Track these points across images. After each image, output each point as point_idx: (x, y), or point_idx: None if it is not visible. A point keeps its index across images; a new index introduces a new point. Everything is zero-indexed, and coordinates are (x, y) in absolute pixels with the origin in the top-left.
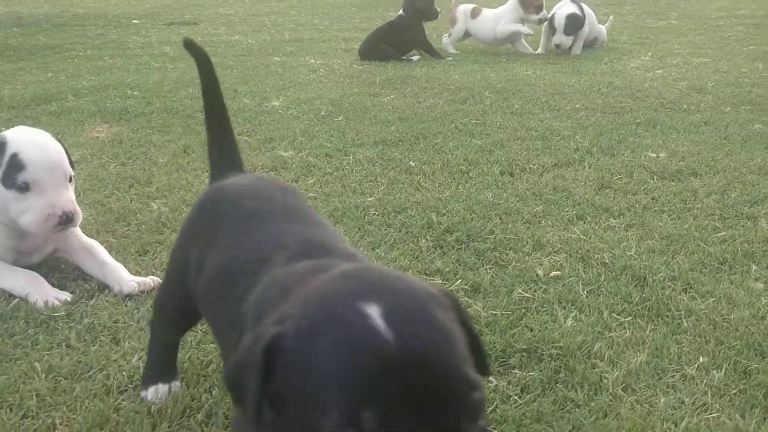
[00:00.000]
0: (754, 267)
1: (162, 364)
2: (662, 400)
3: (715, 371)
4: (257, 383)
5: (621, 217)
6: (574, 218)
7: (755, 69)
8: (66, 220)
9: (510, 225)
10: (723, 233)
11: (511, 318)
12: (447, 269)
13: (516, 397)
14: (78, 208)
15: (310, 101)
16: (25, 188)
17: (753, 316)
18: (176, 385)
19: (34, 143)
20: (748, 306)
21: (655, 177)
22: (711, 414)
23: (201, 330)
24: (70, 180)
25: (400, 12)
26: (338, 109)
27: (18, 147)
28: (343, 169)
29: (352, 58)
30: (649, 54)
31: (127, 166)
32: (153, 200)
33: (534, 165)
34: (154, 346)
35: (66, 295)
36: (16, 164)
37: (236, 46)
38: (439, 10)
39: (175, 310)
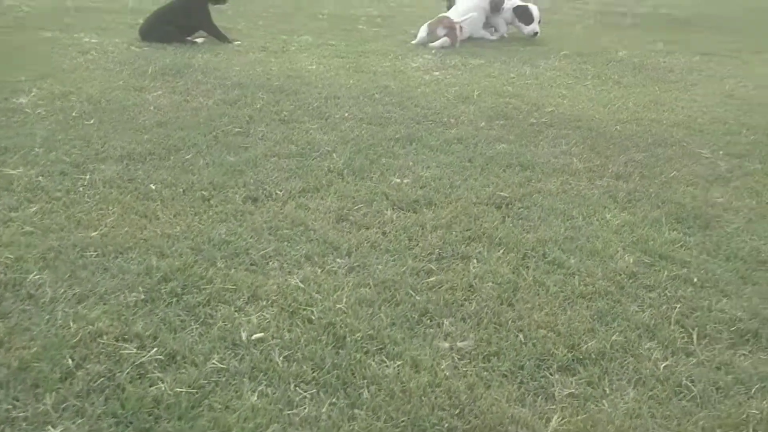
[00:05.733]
0: (447, 322)
1: None
2: None
3: None
4: None
5: (348, 257)
6: (302, 259)
7: (522, 74)
8: None
9: (233, 271)
10: (434, 278)
11: (196, 396)
12: (147, 333)
13: None
14: None
15: (66, 96)
16: None
17: (429, 383)
18: None
19: None
20: (429, 371)
21: (392, 207)
22: None
23: None
24: None
25: None
26: (94, 108)
27: None
28: (74, 193)
29: (133, 36)
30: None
31: None
32: None
33: (281, 190)
34: None
35: None
36: None
37: (7, 15)
38: None
39: None
